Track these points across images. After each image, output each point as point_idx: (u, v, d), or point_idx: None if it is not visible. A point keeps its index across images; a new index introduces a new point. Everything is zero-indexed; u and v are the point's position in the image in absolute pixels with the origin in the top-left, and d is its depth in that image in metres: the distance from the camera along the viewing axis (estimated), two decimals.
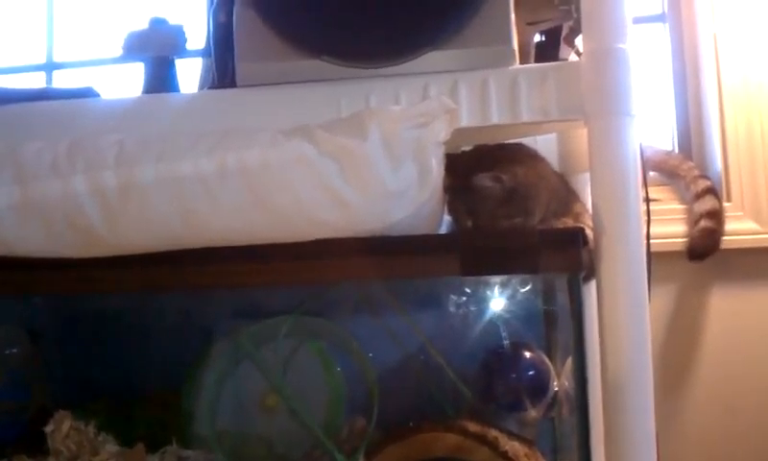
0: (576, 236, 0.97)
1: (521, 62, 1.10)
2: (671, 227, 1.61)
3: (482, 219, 1.06)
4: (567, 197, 1.17)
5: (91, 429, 1.07)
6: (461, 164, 1.09)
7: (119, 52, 1.29)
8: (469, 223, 1.07)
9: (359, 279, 1.03)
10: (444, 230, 1.12)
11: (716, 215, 1.59)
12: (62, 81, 2.02)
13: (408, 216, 0.97)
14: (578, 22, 1.08)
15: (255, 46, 1.09)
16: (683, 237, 1.60)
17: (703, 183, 1.62)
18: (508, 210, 1.06)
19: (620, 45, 1.01)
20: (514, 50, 1.07)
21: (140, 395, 1.22)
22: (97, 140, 1.00)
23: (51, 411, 1.09)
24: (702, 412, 1.60)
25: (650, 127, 1.79)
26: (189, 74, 1.36)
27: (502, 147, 1.15)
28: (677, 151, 1.75)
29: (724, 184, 1.66)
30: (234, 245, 0.96)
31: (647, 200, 1.18)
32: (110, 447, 1.06)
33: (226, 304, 1.22)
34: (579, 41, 1.14)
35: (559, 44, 1.21)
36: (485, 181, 1.05)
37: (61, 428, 1.05)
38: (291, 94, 1.10)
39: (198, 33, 1.32)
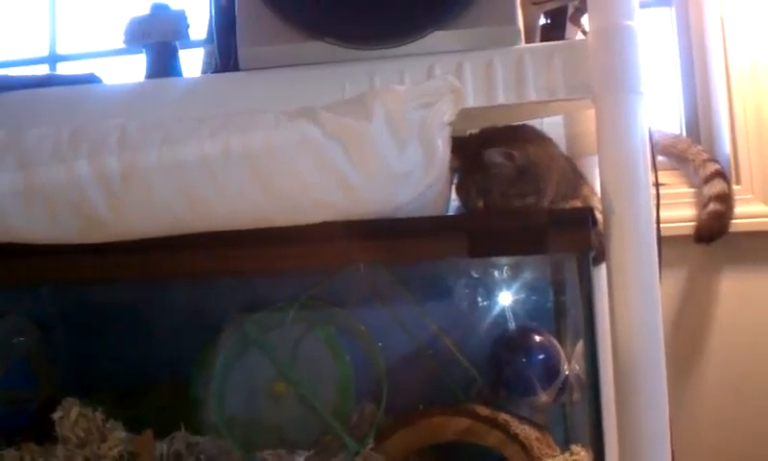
0: (585, 216, 0.96)
1: (527, 43, 1.09)
2: (680, 211, 1.60)
3: (494, 197, 1.05)
4: (576, 180, 1.16)
5: (99, 416, 1.06)
6: (471, 145, 1.08)
7: (121, 41, 1.28)
8: (480, 203, 1.06)
9: (365, 262, 1.02)
10: (450, 212, 1.11)
11: (725, 198, 1.57)
12: (65, 72, 2.01)
13: (414, 198, 0.96)
14: (583, 1, 1.07)
15: (258, 29, 1.08)
16: (692, 221, 1.59)
17: (712, 167, 1.60)
18: (520, 188, 1.05)
19: (627, 22, 1.00)
20: (519, 29, 1.06)
21: (148, 384, 1.21)
22: (100, 125, 0.99)
23: (58, 400, 1.08)
24: (712, 395, 1.59)
25: (658, 111, 1.77)
26: (192, 62, 1.35)
27: (512, 128, 1.14)
28: (685, 135, 1.73)
29: (733, 168, 1.64)
30: (239, 229, 0.96)
31: (656, 184, 1.16)
32: (119, 433, 1.05)
33: (233, 291, 1.21)
34: (585, 20, 1.13)
35: (565, 24, 1.20)
36: (496, 157, 1.04)
37: (70, 415, 1.05)
38: (294, 77, 1.09)
39: (200, 17, 1.31)
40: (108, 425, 1.06)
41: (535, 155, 1.07)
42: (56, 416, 1.06)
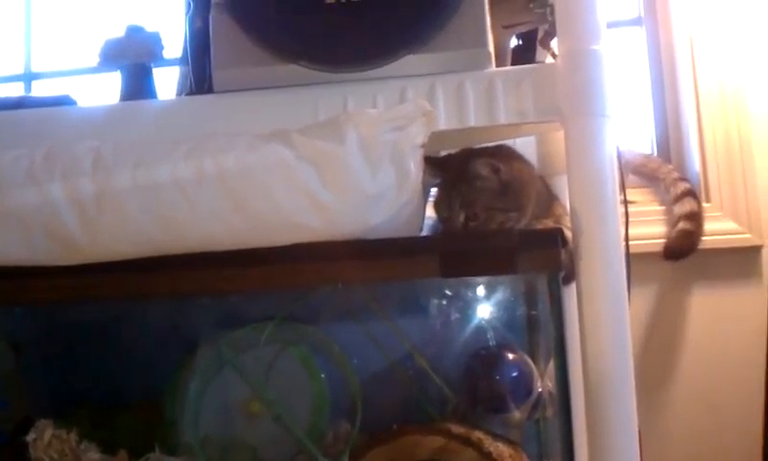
0: (555, 236, 0.97)
1: (498, 65, 1.11)
2: (651, 228, 1.63)
3: (477, 210, 1.06)
4: (549, 199, 1.19)
5: (73, 437, 1.06)
6: (455, 160, 1.10)
7: (97, 60, 1.29)
8: (462, 217, 1.07)
9: (339, 282, 1.03)
10: (425, 232, 1.13)
11: (695, 217, 1.60)
12: (41, 90, 2.01)
13: (387, 219, 0.97)
14: (553, 25, 1.09)
15: (232, 52, 1.09)
16: (663, 238, 1.62)
17: (682, 186, 1.63)
18: (503, 203, 1.07)
19: (594, 47, 1.02)
20: (490, 53, 1.08)
21: (122, 403, 1.21)
22: (74, 147, 0.99)
23: (32, 421, 1.07)
24: (683, 411, 1.61)
25: (629, 131, 1.80)
26: (167, 82, 1.36)
27: (494, 146, 1.16)
28: (656, 153, 1.76)
29: (703, 185, 1.67)
30: (213, 250, 0.96)
31: (625, 202, 1.19)
32: (93, 454, 1.05)
33: (207, 312, 1.21)
34: (554, 44, 1.15)
35: (535, 47, 1.22)
36: (482, 168, 1.07)
37: (43, 437, 1.04)
38: (268, 99, 1.10)
39: (175, 39, 1.32)
40: (83, 447, 1.06)
41: (518, 171, 1.10)
42: (29, 438, 1.05)
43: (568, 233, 1.04)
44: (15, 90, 2.01)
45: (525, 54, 1.22)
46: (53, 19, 2.06)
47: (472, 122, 1.06)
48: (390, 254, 0.97)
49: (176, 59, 1.31)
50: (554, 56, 1.15)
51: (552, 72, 1.05)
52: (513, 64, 1.21)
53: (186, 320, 1.23)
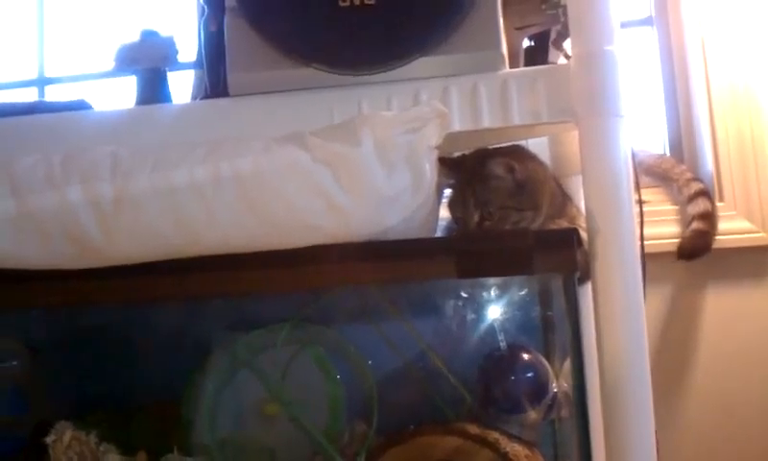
0: (570, 236, 0.98)
1: (511, 67, 1.12)
2: (665, 228, 1.63)
3: (492, 210, 1.07)
4: (562, 200, 1.19)
5: (93, 439, 1.07)
6: (468, 161, 1.10)
7: (111, 65, 1.30)
8: (477, 216, 1.07)
9: (355, 284, 1.03)
10: (438, 234, 1.13)
11: (708, 217, 1.60)
12: (55, 96, 2.02)
13: (402, 221, 0.97)
14: (566, 26, 1.10)
15: (246, 55, 1.10)
16: (676, 238, 1.61)
17: (695, 186, 1.63)
18: (518, 202, 1.07)
19: (608, 47, 1.02)
20: (503, 54, 1.08)
21: (140, 406, 1.22)
22: (91, 152, 1.00)
23: (51, 423, 1.08)
24: (698, 411, 1.61)
25: (642, 131, 1.80)
26: (181, 86, 1.37)
27: (508, 147, 1.16)
28: (669, 153, 1.76)
29: (716, 185, 1.67)
30: (230, 253, 0.97)
31: (639, 202, 1.19)
32: (113, 456, 1.05)
33: (223, 314, 1.22)
34: (567, 45, 1.15)
35: (547, 48, 1.22)
36: (498, 168, 1.07)
37: (63, 439, 1.05)
38: (283, 102, 1.11)
39: (189, 44, 1.33)
40: (102, 448, 1.07)
41: (533, 171, 1.10)
42: (49, 440, 1.06)
43: (583, 234, 1.04)
44: (29, 96, 2.02)
45: (538, 55, 1.22)
46: (66, 24, 2.07)
47: (486, 123, 1.06)
48: (406, 255, 0.98)
49: (190, 63, 1.32)
50: (567, 57, 1.16)
51: (565, 73, 1.05)
52: (525, 66, 1.21)
53: (202, 322, 1.23)
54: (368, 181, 0.95)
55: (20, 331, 1.25)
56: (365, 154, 0.95)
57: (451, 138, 1.03)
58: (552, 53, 1.22)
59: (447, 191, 1.17)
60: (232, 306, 1.21)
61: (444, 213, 1.14)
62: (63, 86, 2.04)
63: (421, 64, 1.08)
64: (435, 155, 0.99)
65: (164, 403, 1.19)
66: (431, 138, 0.98)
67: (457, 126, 1.06)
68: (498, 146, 1.17)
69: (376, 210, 0.96)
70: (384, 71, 1.08)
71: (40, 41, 2.05)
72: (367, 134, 0.95)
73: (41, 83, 2.04)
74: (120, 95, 1.81)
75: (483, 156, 1.12)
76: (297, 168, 0.95)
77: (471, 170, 1.10)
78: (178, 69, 1.33)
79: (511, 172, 1.08)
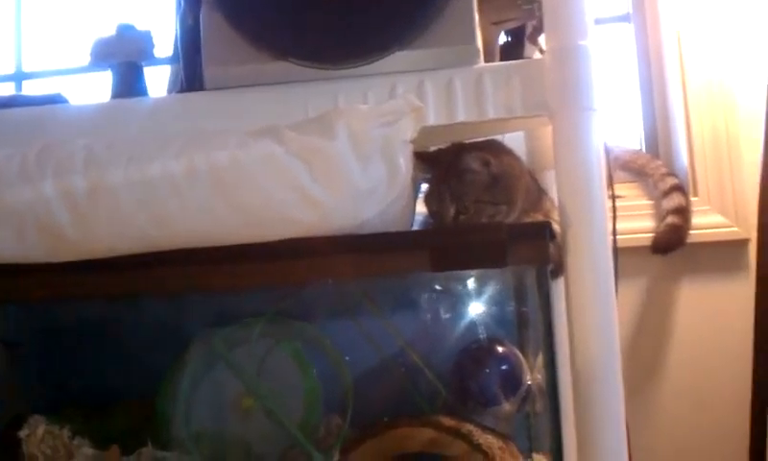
0: (543, 229, 0.98)
1: (487, 61, 1.12)
2: (640, 222, 1.64)
3: (467, 204, 1.07)
4: (538, 194, 1.19)
5: (66, 433, 1.07)
6: (445, 154, 1.11)
7: (87, 60, 1.29)
8: (452, 210, 1.08)
9: (331, 277, 1.04)
10: (415, 227, 1.14)
11: (683, 212, 1.62)
12: (32, 90, 2.01)
13: (378, 214, 0.98)
14: (541, 21, 1.10)
15: (223, 49, 1.10)
16: (651, 232, 1.63)
17: (670, 181, 1.65)
18: (493, 196, 1.07)
19: (582, 42, 1.03)
20: (478, 49, 1.09)
21: (115, 400, 1.21)
22: (66, 145, 1.00)
23: (25, 418, 1.08)
24: (671, 404, 1.63)
25: (618, 127, 1.82)
26: (158, 82, 1.36)
27: (483, 141, 1.17)
28: (644, 148, 1.78)
29: (690, 180, 1.69)
30: (205, 246, 0.97)
31: (613, 196, 1.20)
32: (86, 450, 1.05)
33: (199, 309, 1.22)
34: (542, 40, 1.16)
35: (523, 43, 1.23)
36: (473, 162, 1.07)
37: (36, 433, 1.05)
38: (259, 96, 1.11)
39: (166, 38, 1.33)
40: (75, 442, 1.07)
41: (508, 165, 1.10)
42: (22, 434, 1.06)
43: (557, 228, 1.05)
44: (6, 90, 2.00)
45: (514, 50, 1.23)
46: (43, 19, 2.06)
47: (461, 117, 1.07)
48: (380, 248, 0.98)
49: (167, 58, 1.31)
50: (542, 51, 1.16)
51: (540, 67, 1.06)
52: (501, 60, 1.22)
53: (178, 318, 1.23)
54: (343, 175, 0.95)
55: None
56: (340, 147, 0.95)
57: (426, 132, 1.03)
58: (528, 48, 1.23)
59: (424, 186, 1.17)
60: (209, 302, 1.21)
61: (421, 208, 1.15)
62: (41, 81, 2.02)
63: (397, 58, 1.08)
64: (410, 148, 0.99)
65: (139, 400, 1.19)
66: (406, 132, 0.98)
67: (432, 120, 1.07)
68: (474, 140, 1.18)
69: (352, 203, 0.96)
70: (360, 65, 1.08)
71: (18, 36, 2.04)
72: (342, 128, 0.95)
73: (19, 77, 2.03)
74: (96, 90, 1.80)
75: (459, 150, 1.13)
76: (272, 161, 0.95)
77: (447, 164, 1.11)
78: (154, 64, 1.33)
79: (486, 166, 1.08)
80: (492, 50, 1.22)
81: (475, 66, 1.09)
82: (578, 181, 1.01)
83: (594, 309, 1.00)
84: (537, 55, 1.21)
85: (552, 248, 1.01)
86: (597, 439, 0.99)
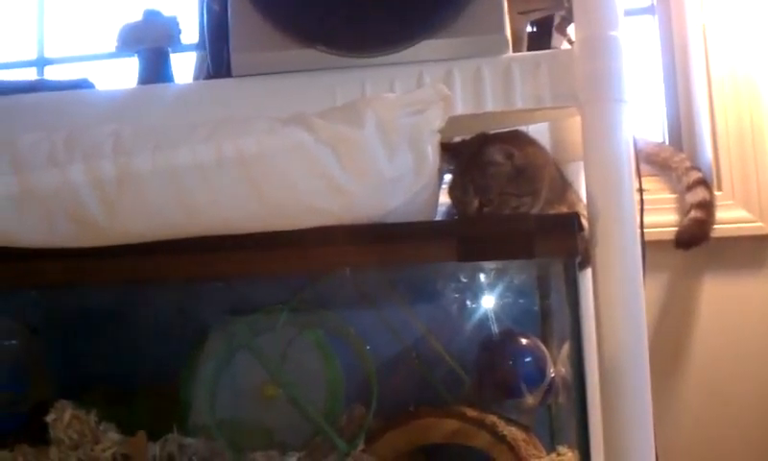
0: (571, 221, 0.98)
1: (514, 51, 1.11)
2: (663, 216, 1.63)
3: (491, 196, 1.07)
4: (563, 186, 1.19)
5: (93, 418, 1.07)
6: (469, 146, 1.11)
7: (113, 46, 1.29)
8: (476, 202, 1.07)
9: (357, 266, 1.03)
10: (438, 218, 1.13)
11: (706, 206, 1.60)
12: (55, 76, 2.01)
13: (404, 203, 0.98)
14: (569, 11, 1.10)
15: (250, 36, 1.10)
16: (674, 226, 1.61)
17: (694, 175, 1.63)
18: (517, 188, 1.07)
19: (612, 32, 1.02)
20: (507, 38, 1.08)
21: (140, 386, 1.22)
22: (94, 131, 1.00)
23: (51, 402, 1.09)
24: (694, 399, 1.61)
25: (641, 119, 1.80)
26: (184, 66, 1.36)
27: (509, 132, 1.16)
28: (668, 141, 1.76)
29: (714, 174, 1.67)
30: (232, 233, 0.97)
31: (640, 189, 1.19)
32: (112, 435, 1.06)
33: (224, 294, 1.22)
34: (571, 30, 1.15)
35: (551, 33, 1.22)
36: (496, 155, 1.07)
37: (63, 417, 1.05)
38: (286, 83, 1.11)
39: (192, 24, 1.33)
40: (102, 427, 1.07)
41: (533, 156, 1.10)
42: (49, 418, 1.07)
43: (583, 221, 1.04)
44: (28, 76, 2.01)
45: (541, 40, 1.22)
46: (67, 3, 2.06)
47: (489, 107, 1.06)
48: (407, 237, 0.98)
49: (193, 44, 1.31)
50: (570, 42, 1.16)
51: (569, 58, 1.05)
52: (528, 51, 1.21)
53: (203, 305, 1.24)
54: (370, 163, 0.95)
55: (21, 310, 1.25)
56: (368, 136, 0.95)
57: (454, 122, 1.03)
58: (555, 38, 1.22)
59: (448, 176, 1.17)
60: (232, 289, 1.21)
61: (445, 199, 1.14)
62: (63, 67, 2.03)
63: (425, 47, 1.08)
64: (437, 138, 0.99)
65: (164, 385, 1.20)
66: (434, 121, 0.98)
67: (460, 109, 1.06)
68: (498, 131, 1.17)
69: (378, 192, 0.96)
70: (388, 54, 1.08)
71: (40, 21, 2.04)
72: (370, 116, 0.95)
73: (41, 63, 2.03)
74: (122, 76, 1.80)
75: (482, 142, 1.12)
76: (300, 149, 0.95)
77: (470, 156, 1.10)
78: (180, 51, 1.33)
79: (509, 158, 1.08)
80: (520, 40, 1.21)
81: (504, 56, 1.08)
82: (607, 173, 1.00)
83: (623, 302, 1.00)
84: (564, 45, 1.20)
85: (579, 240, 1.01)
86: (624, 430, 0.98)
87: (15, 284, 1.07)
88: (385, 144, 0.95)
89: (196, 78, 1.28)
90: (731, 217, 1.63)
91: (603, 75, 1.01)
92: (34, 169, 0.97)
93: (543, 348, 1.18)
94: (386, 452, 1.07)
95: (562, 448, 1.09)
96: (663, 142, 1.76)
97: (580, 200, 1.17)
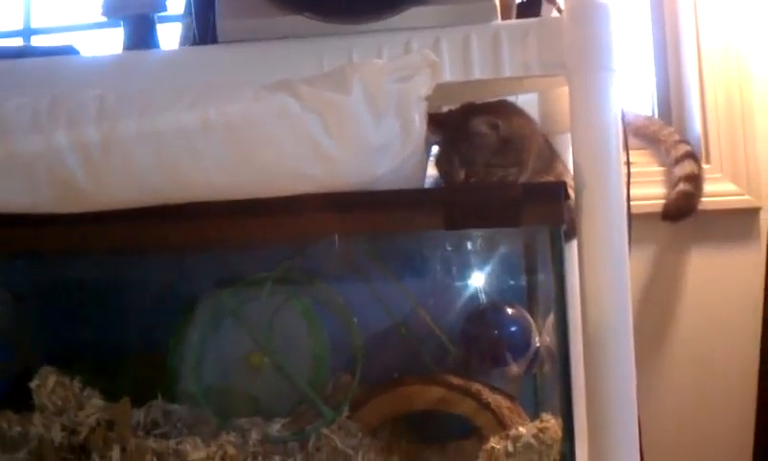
0: (558, 189, 0.98)
1: (503, 19, 1.10)
2: (651, 189, 1.63)
3: (477, 167, 1.06)
4: (550, 156, 1.19)
5: (77, 384, 1.07)
6: (455, 116, 1.10)
7: (99, 13, 1.28)
8: (462, 173, 1.07)
9: (343, 233, 1.03)
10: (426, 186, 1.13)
11: (694, 179, 1.60)
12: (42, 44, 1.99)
13: (391, 170, 0.97)
14: None
15: (236, 2, 1.09)
16: (661, 199, 1.62)
17: (682, 148, 1.63)
18: (503, 159, 1.07)
19: (601, 0, 1.01)
20: (495, 6, 1.08)
21: (125, 354, 1.22)
22: (79, 96, 0.99)
23: (36, 370, 1.08)
24: (678, 372, 1.63)
25: (630, 92, 1.80)
26: (170, 36, 1.35)
27: (495, 102, 1.16)
28: (657, 114, 1.76)
29: (703, 147, 1.68)
30: (218, 200, 0.97)
31: (627, 161, 1.19)
32: (96, 401, 1.06)
33: (210, 262, 1.22)
34: None
35: (540, 2, 1.21)
36: (482, 126, 1.07)
37: (47, 384, 1.05)
38: (273, 50, 1.10)
39: None
40: (86, 394, 1.07)
41: (518, 127, 1.10)
42: (33, 384, 1.07)
43: (570, 191, 1.04)
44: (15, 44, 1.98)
45: (530, 8, 1.21)
46: None
47: (477, 74, 1.06)
48: (394, 205, 0.98)
49: (178, 15, 1.30)
50: (559, 10, 1.15)
51: (558, 26, 1.04)
52: (518, 18, 1.21)
53: (189, 274, 1.23)
54: (357, 130, 0.94)
55: (5, 278, 1.25)
56: (354, 102, 0.94)
57: (442, 90, 1.02)
58: (545, 7, 1.21)
59: (435, 148, 1.17)
60: (220, 255, 1.21)
61: (432, 170, 1.14)
62: (49, 37, 2.00)
63: (413, 14, 1.07)
64: (425, 105, 0.98)
65: (150, 353, 1.20)
66: (422, 88, 0.97)
67: (448, 76, 1.05)
68: (484, 102, 1.17)
69: (365, 159, 0.96)
70: (376, 20, 1.07)
71: None
72: (357, 82, 0.95)
73: (27, 33, 2.00)
74: (107, 46, 1.78)
75: (467, 112, 1.12)
76: (286, 115, 0.94)
77: (456, 127, 1.10)
78: (165, 21, 1.31)
79: (495, 129, 1.08)
80: (509, 8, 1.20)
81: (492, 23, 1.07)
82: (594, 143, 1.00)
83: (608, 272, 1.00)
84: (554, 13, 1.19)
85: (565, 209, 1.01)
86: (607, 399, 0.99)
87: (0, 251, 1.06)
88: (372, 110, 0.95)
89: (182, 45, 1.26)
90: (719, 190, 1.64)
91: (591, 43, 1.01)
92: (17, 134, 0.96)
93: (529, 317, 1.18)
94: (371, 419, 1.07)
95: (545, 416, 1.10)
96: (652, 116, 1.76)
97: (568, 171, 1.17)
